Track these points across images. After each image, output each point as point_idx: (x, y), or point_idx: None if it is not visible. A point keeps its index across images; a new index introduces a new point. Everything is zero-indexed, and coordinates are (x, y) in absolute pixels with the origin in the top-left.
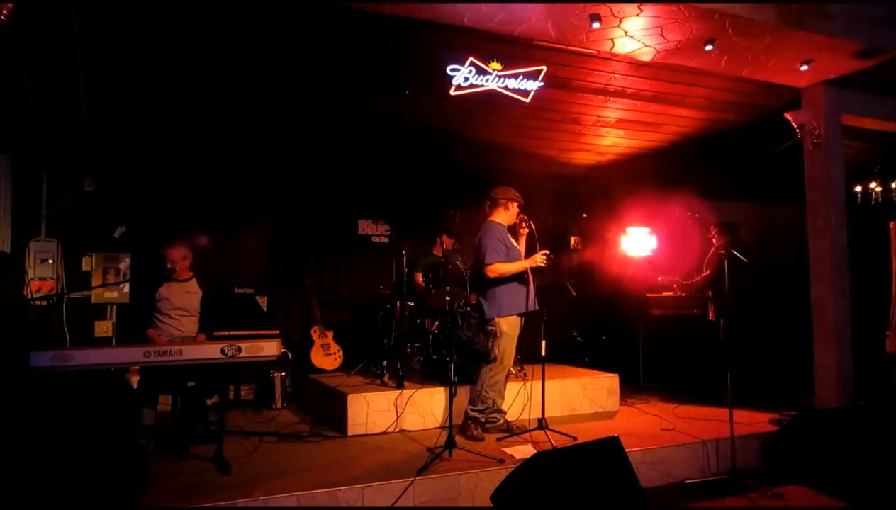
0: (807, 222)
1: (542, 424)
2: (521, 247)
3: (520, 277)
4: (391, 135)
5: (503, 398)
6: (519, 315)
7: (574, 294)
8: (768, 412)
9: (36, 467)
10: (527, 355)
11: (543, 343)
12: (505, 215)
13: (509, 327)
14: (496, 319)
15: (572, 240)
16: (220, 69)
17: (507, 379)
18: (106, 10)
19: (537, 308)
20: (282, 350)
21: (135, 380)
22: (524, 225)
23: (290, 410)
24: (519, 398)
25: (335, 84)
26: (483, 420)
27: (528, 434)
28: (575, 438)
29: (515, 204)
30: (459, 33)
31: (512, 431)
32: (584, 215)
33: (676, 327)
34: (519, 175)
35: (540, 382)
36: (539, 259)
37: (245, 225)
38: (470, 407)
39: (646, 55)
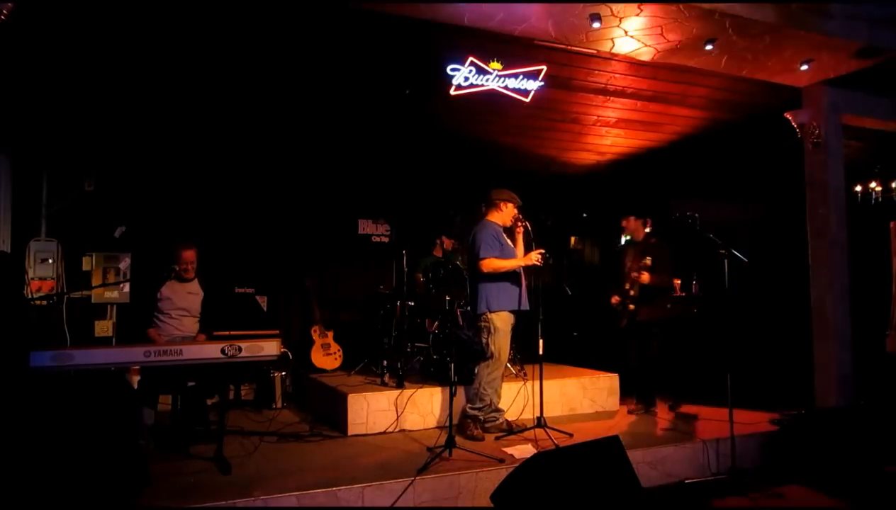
0: (807, 222)
1: (540, 422)
2: (518, 247)
3: (513, 275)
4: (391, 135)
5: (500, 396)
6: (510, 311)
7: (570, 293)
8: (768, 412)
9: (37, 468)
10: (527, 355)
11: (541, 342)
12: (500, 215)
13: (502, 323)
14: (488, 314)
15: (572, 240)
16: (219, 69)
17: (502, 377)
18: (108, 10)
19: (528, 308)
20: (282, 350)
21: (135, 380)
22: (520, 225)
23: (290, 410)
24: (519, 398)
25: (335, 84)
26: (482, 418)
27: (526, 432)
28: (571, 435)
29: (511, 204)
30: (459, 33)
31: (512, 430)
32: (584, 215)
33: (676, 327)
34: (519, 175)
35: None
36: (535, 257)
37: (245, 224)
38: (469, 405)
39: (646, 55)
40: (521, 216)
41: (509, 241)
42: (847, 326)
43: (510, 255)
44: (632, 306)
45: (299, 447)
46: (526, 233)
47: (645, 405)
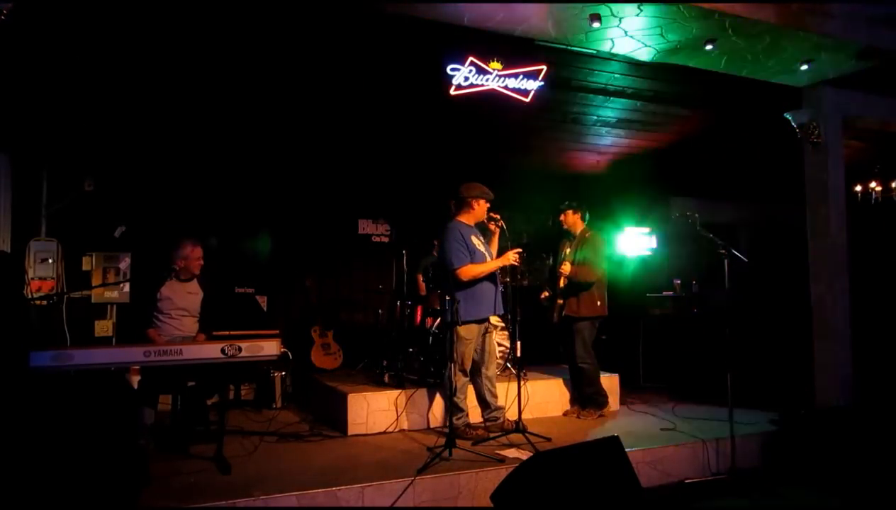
0: (807, 222)
1: (518, 426)
2: (494, 246)
3: (488, 280)
4: (391, 134)
5: (497, 396)
6: (477, 322)
7: (526, 283)
8: (768, 412)
9: (37, 468)
10: (527, 356)
11: (518, 344)
12: (472, 214)
13: (466, 332)
14: (455, 327)
15: None
16: (219, 69)
17: (495, 377)
18: (108, 9)
19: (503, 311)
20: (282, 350)
21: (135, 380)
22: (493, 224)
23: (290, 410)
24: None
25: (335, 84)
26: (483, 421)
27: (504, 437)
28: (549, 439)
29: (483, 200)
30: (459, 33)
31: (487, 437)
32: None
33: (676, 327)
34: (519, 175)
35: (544, 382)
36: (511, 257)
37: (245, 224)
38: (454, 418)
39: (646, 55)
40: (497, 215)
41: (477, 242)
42: (847, 326)
43: (480, 259)
44: (560, 300)
45: (299, 447)
46: (502, 231)
47: (580, 406)
